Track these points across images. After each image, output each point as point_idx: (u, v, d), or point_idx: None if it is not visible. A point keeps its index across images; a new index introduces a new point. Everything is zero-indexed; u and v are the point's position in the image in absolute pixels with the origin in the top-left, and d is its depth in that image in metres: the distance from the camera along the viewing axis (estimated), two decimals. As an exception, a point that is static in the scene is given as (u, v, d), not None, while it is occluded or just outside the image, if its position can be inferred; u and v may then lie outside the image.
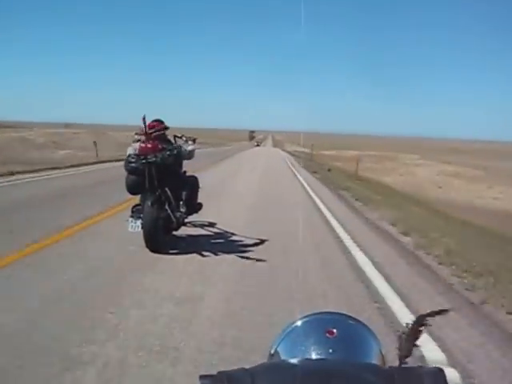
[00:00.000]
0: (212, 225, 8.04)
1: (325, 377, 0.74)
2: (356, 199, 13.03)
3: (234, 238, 7.25)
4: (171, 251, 6.13)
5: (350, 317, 1.00)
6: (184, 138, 6.86)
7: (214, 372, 0.73)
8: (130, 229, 6.01)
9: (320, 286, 5.01)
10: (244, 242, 6.90)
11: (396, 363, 0.90)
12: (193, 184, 6.61)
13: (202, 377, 0.73)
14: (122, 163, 6.16)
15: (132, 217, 6.05)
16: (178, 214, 6.36)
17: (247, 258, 6.02)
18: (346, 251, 6.69)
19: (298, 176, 21.27)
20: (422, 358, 3.21)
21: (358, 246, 7.01)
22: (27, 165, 17.56)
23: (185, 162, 6.69)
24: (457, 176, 41.26)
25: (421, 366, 0.79)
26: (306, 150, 73.57)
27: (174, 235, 6.78)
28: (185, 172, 6.70)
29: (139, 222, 5.93)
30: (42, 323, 3.79)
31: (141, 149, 5.97)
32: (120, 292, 4.62)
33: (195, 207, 6.73)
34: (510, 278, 5.33)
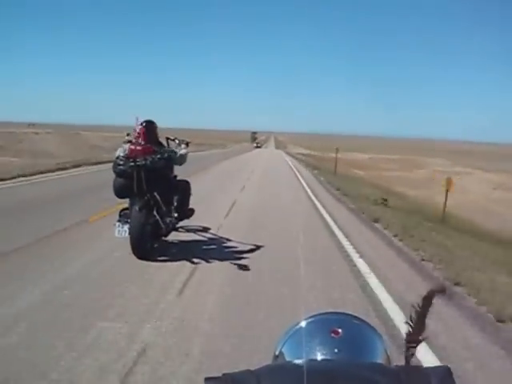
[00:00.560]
0: (206, 230, 7.80)
1: (330, 377, 0.73)
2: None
3: (228, 243, 7.01)
4: (160, 258, 5.89)
5: (354, 317, 0.99)
6: (177, 141, 6.63)
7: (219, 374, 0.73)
8: (116, 234, 5.78)
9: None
10: (238, 249, 6.66)
11: (401, 362, 0.88)
12: (184, 189, 6.40)
13: (207, 379, 0.74)
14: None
15: (119, 221, 5.82)
16: (167, 220, 6.15)
17: (240, 265, 5.78)
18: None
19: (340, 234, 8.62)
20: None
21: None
22: None
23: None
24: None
25: (427, 366, 0.79)
26: (313, 153, 66.77)
27: (166, 240, 6.55)
28: (175, 176, 6.46)
29: (126, 227, 5.70)
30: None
31: (130, 151, 5.74)
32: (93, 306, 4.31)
33: (186, 213, 6.52)
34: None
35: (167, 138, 6.70)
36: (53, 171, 16.86)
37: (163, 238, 6.33)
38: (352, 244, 7.38)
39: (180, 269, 5.51)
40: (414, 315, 0.92)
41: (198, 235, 7.47)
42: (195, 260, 5.88)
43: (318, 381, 0.72)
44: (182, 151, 6.37)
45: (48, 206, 9.63)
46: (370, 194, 15.93)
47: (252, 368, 0.77)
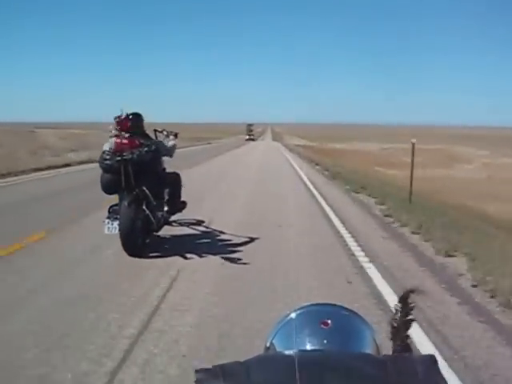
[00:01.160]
0: (200, 223, 7.67)
1: (320, 367, 0.75)
2: None
3: (221, 237, 6.88)
4: (152, 254, 5.75)
5: (344, 308, 1.01)
6: (165, 133, 6.50)
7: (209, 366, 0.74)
8: (106, 231, 5.64)
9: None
10: (232, 242, 6.52)
11: (390, 352, 0.91)
12: (174, 182, 6.26)
13: (197, 371, 0.74)
14: None
15: (109, 218, 5.67)
16: (159, 214, 6.03)
17: (234, 260, 5.64)
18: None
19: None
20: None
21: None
22: None
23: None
24: None
25: (414, 355, 0.83)
26: (312, 144, 60.26)
27: (158, 236, 6.42)
28: (164, 169, 6.31)
29: (116, 224, 5.56)
30: None
31: (116, 145, 5.59)
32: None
33: (178, 206, 6.38)
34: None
35: (155, 130, 6.56)
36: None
37: (155, 233, 6.19)
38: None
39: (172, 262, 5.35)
40: (398, 315, 0.99)
41: (192, 229, 7.34)
42: (188, 255, 5.75)
43: (308, 371, 0.73)
44: (171, 143, 6.22)
45: None
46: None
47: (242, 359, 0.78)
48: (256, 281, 4.89)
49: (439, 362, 0.78)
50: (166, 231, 6.67)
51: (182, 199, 6.48)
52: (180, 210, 6.49)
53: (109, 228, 5.62)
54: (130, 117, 5.82)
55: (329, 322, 0.92)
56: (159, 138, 6.44)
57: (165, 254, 5.78)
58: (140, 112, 6.02)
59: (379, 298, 4.43)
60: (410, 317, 1.00)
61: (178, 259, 5.57)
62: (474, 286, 4.84)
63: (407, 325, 0.99)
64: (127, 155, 5.45)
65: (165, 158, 6.35)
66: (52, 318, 3.90)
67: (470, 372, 3.11)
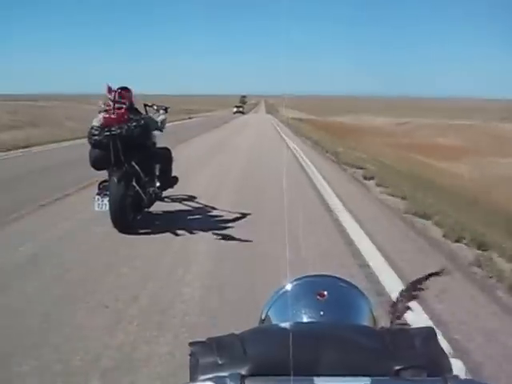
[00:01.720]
0: (192, 199, 7.65)
1: (315, 339, 0.74)
2: None
3: (213, 212, 6.87)
4: (142, 231, 5.75)
5: (340, 279, 1.01)
6: (155, 107, 6.46)
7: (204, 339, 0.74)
8: (96, 208, 5.62)
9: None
10: (225, 217, 6.52)
11: (387, 324, 0.91)
12: (165, 157, 6.22)
13: (191, 343, 0.74)
14: None
15: (99, 194, 5.64)
16: (150, 190, 6.01)
17: (227, 236, 5.65)
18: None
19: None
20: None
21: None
22: None
23: None
24: None
25: (411, 327, 0.81)
26: (311, 117, 53.32)
27: (150, 212, 6.41)
28: (154, 144, 6.26)
29: (106, 200, 5.53)
30: None
31: (105, 120, 5.52)
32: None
33: (170, 181, 6.36)
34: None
35: (145, 105, 6.50)
36: None
37: (146, 209, 6.17)
38: None
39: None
40: (406, 287, 1.00)
41: (184, 204, 7.33)
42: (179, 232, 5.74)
43: (303, 343, 0.72)
44: (161, 117, 6.18)
45: None
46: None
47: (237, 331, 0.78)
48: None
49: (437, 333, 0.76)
50: (158, 207, 6.66)
51: (174, 174, 6.46)
52: (171, 186, 6.47)
53: (99, 205, 5.60)
54: (119, 91, 5.74)
55: (325, 293, 0.92)
56: (149, 113, 6.37)
57: (155, 230, 5.79)
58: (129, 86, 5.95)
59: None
60: (413, 294, 1.01)
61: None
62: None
63: (408, 300, 1.00)
64: (116, 130, 5.39)
65: (156, 134, 6.31)
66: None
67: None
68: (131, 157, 5.51)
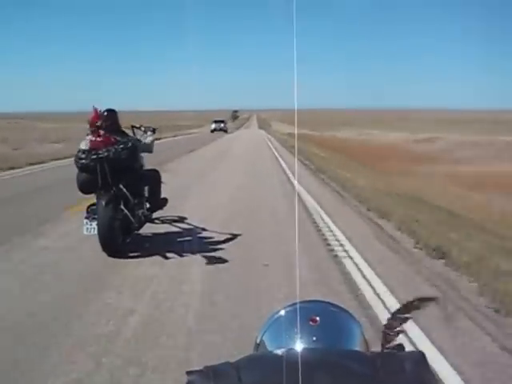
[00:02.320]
0: (182, 220, 7.66)
1: (308, 366, 0.75)
2: None
3: (204, 234, 6.88)
4: (132, 254, 5.75)
5: (332, 304, 1.04)
6: (143, 129, 6.50)
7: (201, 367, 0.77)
8: (85, 232, 5.63)
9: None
10: (215, 239, 6.53)
11: (379, 347, 0.95)
12: (153, 178, 6.26)
13: (188, 372, 0.77)
14: None
15: (87, 218, 5.65)
16: (140, 212, 6.04)
17: (217, 259, 5.65)
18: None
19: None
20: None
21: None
22: None
23: None
24: None
25: (403, 351, 0.86)
26: (308, 132, 47.01)
27: (139, 234, 6.41)
28: (142, 166, 6.29)
29: (95, 224, 5.54)
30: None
31: (91, 143, 5.56)
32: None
33: (159, 203, 6.39)
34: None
35: (132, 127, 6.55)
36: None
37: (136, 232, 6.18)
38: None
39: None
40: (396, 311, 1.11)
41: (174, 226, 7.34)
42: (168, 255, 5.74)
43: (296, 371, 0.74)
44: (148, 139, 6.22)
45: None
46: None
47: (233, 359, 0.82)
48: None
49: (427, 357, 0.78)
50: (148, 229, 6.66)
51: (163, 196, 6.49)
52: (161, 207, 6.50)
53: (88, 228, 5.61)
54: (105, 114, 5.78)
55: (317, 318, 0.95)
56: (137, 135, 6.42)
57: (145, 254, 5.78)
58: (114, 108, 6.00)
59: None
60: (405, 317, 1.07)
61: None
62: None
63: (399, 324, 1.08)
64: (102, 153, 5.43)
65: (144, 155, 6.35)
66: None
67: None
68: (119, 180, 5.53)
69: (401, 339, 2.34)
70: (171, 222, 7.53)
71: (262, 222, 7.79)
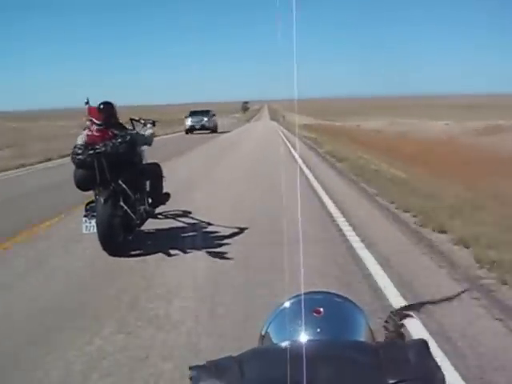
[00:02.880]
0: (186, 214, 7.54)
1: (312, 359, 0.76)
2: None
3: (209, 228, 6.75)
4: (134, 252, 5.64)
5: (336, 295, 1.05)
6: (142, 121, 6.38)
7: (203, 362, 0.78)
8: (84, 230, 5.53)
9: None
10: (221, 234, 6.39)
11: (383, 336, 0.97)
12: (154, 172, 6.14)
13: (191, 368, 0.78)
14: None
15: (86, 216, 5.55)
16: (141, 208, 5.92)
17: (222, 254, 5.51)
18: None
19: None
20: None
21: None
22: None
23: None
24: None
25: (405, 340, 0.93)
26: (326, 123, 44.68)
27: (142, 230, 6.30)
28: (141, 160, 6.17)
29: (94, 222, 5.43)
30: None
31: (88, 138, 5.44)
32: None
33: (161, 198, 6.29)
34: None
35: (131, 120, 6.44)
36: None
37: (138, 228, 6.06)
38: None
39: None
40: (403, 306, 1.06)
41: (178, 221, 7.22)
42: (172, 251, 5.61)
43: (300, 363, 0.74)
44: (148, 131, 6.10)
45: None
46: None
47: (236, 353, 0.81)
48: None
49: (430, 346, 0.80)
50: (151, 225, 6.55)
51: (165, 191, 6.37)
52: (163, 203, 6.39)
53: (87, 227, 5.50)
54: (101, 107, 5.67)
55: (321, 310, 0.96)
56: (137, 128, 6.30)
57: (147, 251, 5.67)
58: (111, 101, 5.87)
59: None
60: (408, 312, 1.06)
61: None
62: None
63: (403, 315, 1.05)
64: (100, 148, 5.31)
65: (144, 149, 6.24)
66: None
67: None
68: (118, 175, 5.41)
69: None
70: (175, 216, 7.42)
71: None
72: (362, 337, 0.96)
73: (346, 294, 1.07)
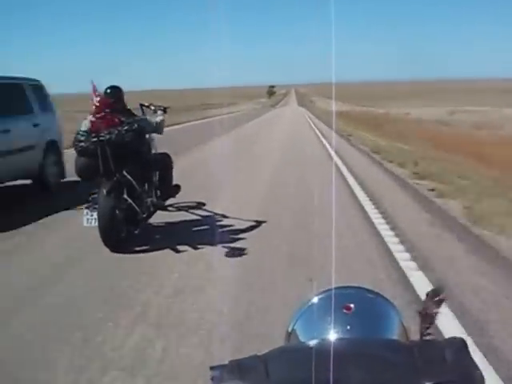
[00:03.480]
0: (200, 206, 7.21)
1: (341, 358, 0.73)
2: None
3: (224, 222, 6.40)
4: (138, 248, 5.32)
5: (368, 290, 1.01)
6: (152, 108, 6.07)
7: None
8: (85, 223, 5.20)
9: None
10: (236, 227, 6.04)
11: (418, 335, 0.89)
12: (163, 163, 5.81)
13: (212, 368, 0.75)
14: None
15: (87, 208, 5.22)
16: (148, 201, 5.62)
17: (237, 251, 5.13)
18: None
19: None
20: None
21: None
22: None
23: None
24: None
25: (442, 339, 0.80)
26: (359, 109, 38.76)
27: (150, 224, 6.00)
28: (150, 150, 5.84)
29: (96, 214, 5.12)
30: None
31: (92, 124, 5.12)
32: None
33: (170, 191, 5.98)
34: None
35: (141, 105, 6.14)
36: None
37: (145, 222, 5.75)
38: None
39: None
40: (432, 291, 0.95)
41: (191, 213, 6.89)
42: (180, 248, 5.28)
43: (328, 363, 0.71)
44: (158, 118, 5.77)
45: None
46: None
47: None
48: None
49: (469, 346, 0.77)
50: (161, 217, 6.23)
51: (175, 183, 6.05)
52: (173, 195, 6.09)
53: (88, 219, 5.18)
54: (108, 91, 5.35)
55: (351, 306, 0.92)
56: (147, 114, 5.99)
57: (153, 248, 5.35)
58: (119, 85, 5.56)
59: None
60: (441, 299, 0.95)
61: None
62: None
63: (436, 305, 0.94)
64: (104, 135, 4.98)
65: (154, 137, 5.92)
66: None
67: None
68: (123, 165, 5.09)
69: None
70: (187, 208, 7.10)
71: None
72: (395, 335, 0.93)
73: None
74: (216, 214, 6.78)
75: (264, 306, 3.83)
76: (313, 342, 0.81)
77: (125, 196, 5.14)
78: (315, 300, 0.98)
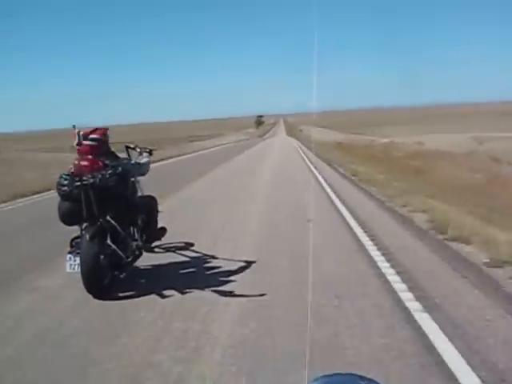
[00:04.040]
0: (188, 247, 7.10)
1: None
2: None
3: (213, 263, 6.29)
4: (122, 294, 5.20)
5: (360, 376, 1.00)
6: (138, 150, 6.02)
7: None
8: (68, 269, 5.10)
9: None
10: (226, 269, 5.94)
11: None
12: (148, 206, 5.74)
13: None
14: None
15: (70, 253, 5.12)
16: (133, 245, 5.52)
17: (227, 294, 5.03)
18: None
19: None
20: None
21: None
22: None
23: None
24: None
25: None
26: (356, 138, 34.56)
27: (137, 267, 5.88)
28: (135, 193, 5.78)
29: (79, 260, 5.00)
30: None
31: (75, 167, 5.06)
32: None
33: (155, 233, 5.90)
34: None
35: (127, 148, 6.08)
36: None
37: (130, 266, 5.63)
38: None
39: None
40: None
41: (179, 254, 6.78)
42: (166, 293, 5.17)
43: None
44: (143, 160, 5.73)
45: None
46: None
47: None
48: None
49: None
50: (147, 260, 6.13)
51: (161, 225, 5.98)
52: (158, 238, 6.02)
53: (71, 265, 5.07)
54: (92, 136, 5.30)
55: None
56: (132, 156, 5.95)
57: (139, 293, 5.23)
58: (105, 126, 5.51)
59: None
60: None
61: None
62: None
63: None
64: (88, 179, 4.91)
65: (139, 180, 5.87)
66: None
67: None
68: (106, 210, 5.02)
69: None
70: (175, 249, 6.99)
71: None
72: None
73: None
74: (205, 254, 6.68)
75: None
76: None
77: (108, 242, 5.04)
78: None
